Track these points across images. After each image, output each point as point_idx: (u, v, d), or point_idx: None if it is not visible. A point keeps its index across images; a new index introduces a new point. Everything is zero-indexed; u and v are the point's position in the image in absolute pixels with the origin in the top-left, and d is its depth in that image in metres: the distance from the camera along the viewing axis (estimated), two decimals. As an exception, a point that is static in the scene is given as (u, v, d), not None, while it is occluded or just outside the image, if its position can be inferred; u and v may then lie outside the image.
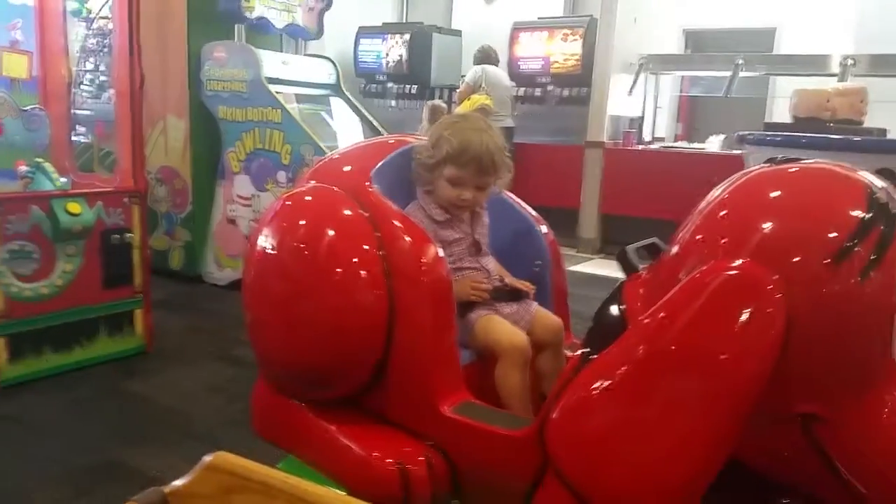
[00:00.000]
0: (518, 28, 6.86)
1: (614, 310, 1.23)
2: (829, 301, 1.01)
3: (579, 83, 6.44)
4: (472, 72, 5.96)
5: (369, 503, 0.74)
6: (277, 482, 0.75)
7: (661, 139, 7.04)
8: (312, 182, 1.63)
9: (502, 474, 1.34)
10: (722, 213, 1.14)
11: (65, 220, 2.74)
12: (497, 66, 6.10)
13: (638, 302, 1.20)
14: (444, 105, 5.73)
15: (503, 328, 1.57)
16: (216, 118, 4.22)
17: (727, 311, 1.03)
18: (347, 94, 4.77)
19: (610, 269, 5.31)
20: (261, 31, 4.35)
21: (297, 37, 4.68)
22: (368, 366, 1.46)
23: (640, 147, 6.47)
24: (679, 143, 6.92)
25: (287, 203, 1.58)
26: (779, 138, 3.89)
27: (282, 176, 4.01)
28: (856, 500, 1.09)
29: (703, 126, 7.46)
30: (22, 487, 2.04)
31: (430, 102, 5.60)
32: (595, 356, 1.16)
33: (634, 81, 6.35)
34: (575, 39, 6.49)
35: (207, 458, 0.80)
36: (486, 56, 6.01)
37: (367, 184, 1.55)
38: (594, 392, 1.12)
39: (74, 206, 2.79)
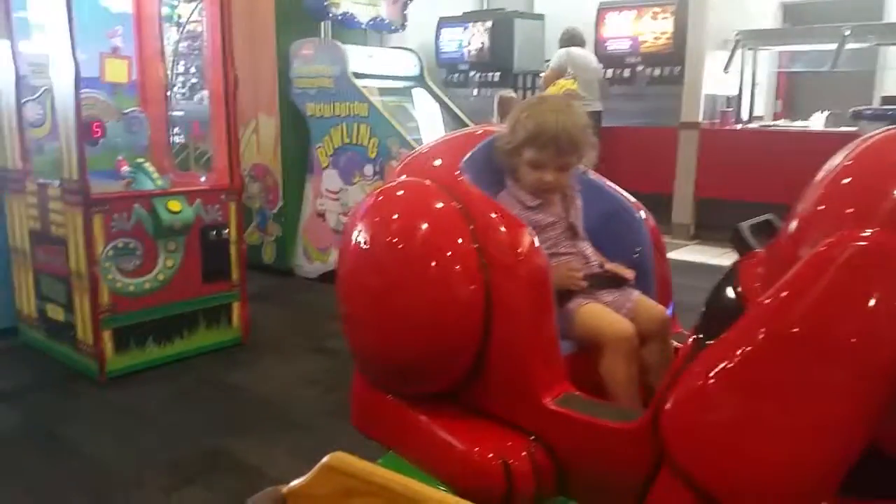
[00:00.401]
0: (605, 8, 6.68)
1: (730, 292, 1.15)
2: None
3: (671, 62, 6.21)
4: (556, 56, 5.82)
5: (473, 501, 0.71)
6: (399, 486, 0.73)
7: (760, 118, 6.68)
8: (403, 176, 1.62)
9: (612, 469, 1.29)
10: (846, 181, 1.06)
11: (166, 218, 2.85)
12: (584, 48, 5.94)
13: (756, 282, 1.12)
14: (513, 95, 5.65)
15: (606, 316, 1.51)
16: (304, 115, 4.30)
17: (858, 287, 0.96)
18: (431, 84, 4.75)
19: (707, 256, 5.14)
20: (346, 27, 4.39)
21: (381, 30, 4.70)
22: (466, 359, 1.43)
23: (739, 127, 6.14)
24: (779, 122, 6.54)
25: (379, 198, 1.57)
26: (897, 111, 3.59)
27: (368, 169, 4.04)
28: None
29: (803, 103, 7.04)
30: (132, 474, 2.12)
31: (500, 93, 5.55)
32: (711, 342, 1.09)
33: (730, 58, 6.03)
34: (665, 17, 6.25)
35: (325, 460, 0.78)
36: (571, 38, 5.84)
37: (458, 174, 1.53)
38: (713, 380, 1.06)
39: (175, 205, 2.90)
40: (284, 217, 4.41)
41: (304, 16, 4.21)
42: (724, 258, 1.30)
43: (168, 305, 2.94)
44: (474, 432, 1.43)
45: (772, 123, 6.44)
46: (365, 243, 1.51)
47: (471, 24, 7.29)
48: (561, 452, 1.37)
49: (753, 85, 6.50)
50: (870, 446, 1.00)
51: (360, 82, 4.11)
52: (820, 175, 1.09)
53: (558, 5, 7.45)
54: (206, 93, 3.75)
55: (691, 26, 5.90)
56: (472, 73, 7.39)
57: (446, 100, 4.73)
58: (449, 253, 1.41)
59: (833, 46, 5.53)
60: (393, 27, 4.71)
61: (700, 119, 5.91)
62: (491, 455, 1.36)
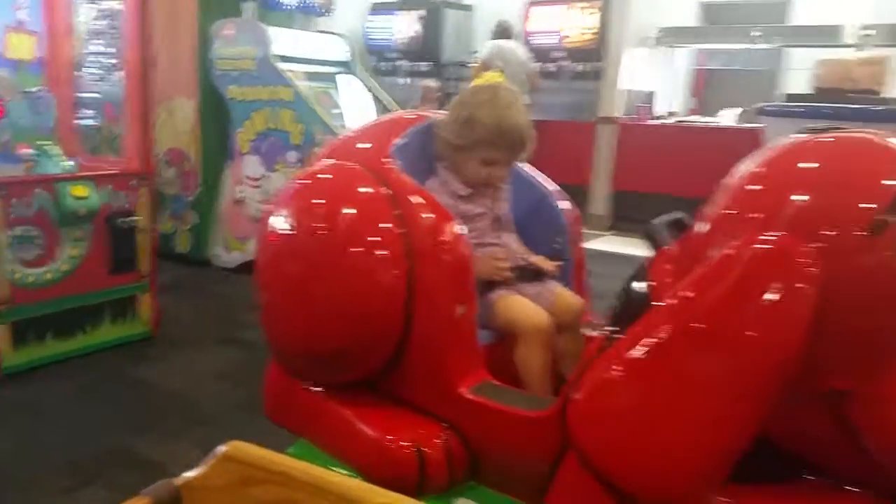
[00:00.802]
0: (533, 2, 6.73)
1: (640, 287, 1.19)
2: (864, 274, 0.98)
3: (594, 58, 6.32)
4: (486, 47, 5.85)
5: (387, 489, 0.71)
6: (300, 473, 0.71)
7: (675, 114, 6.92)
8: (330, 160, 1.59)
9: (522, 456, 1.32)
10: (755, 186, 1.10)
11: (70, 204, 2.71)
12: (515, 41, 5.98)
13: (665, 279, 1.16)
14: (434, 85, 5.68)
15: (524, 308, 1.53)
16: (225, 98, 4.17)
17: (759, 287, 1.00)
18: (360, 71, 4.69)
19: (620, 246, 5.29)
20: (271, 8, 4.28)
21: (308, 13, 4.60)
22: (387, 348, 1.43)
23: (655, 122, 6.34)
24: (692, 117, 6.79)
25: (304, 181, 1.53)
26: (800, 109, 3.80)
27: (292, 156, 3.95)
28: (882, 475, 1.06)
29: (716, 100, 7.32)
30: (29, 476, 2.02)
31: (422, 82, 5.56)
32: (620, 335, 1.13)
33: (649, 55, 6.21)
34: (592, 12, 6.34)
35: (222, 448, 0.75)
36: (503, 31, 5.87)
37: (386, 160, 1.51)
38: (619, 372, 1.09)
39: (80, 190, 2.76)
40: (201, 204, 4.26)
41: (228, -5, 4.08)
42: (637, 248, 1.36)
43: (71, 297, 2.79)
44: (389, 420, 1.43)
45: (686, 119, 6.68)
46: (287, 228, 1.47)
47: (401, 12, 7.23)
48: (474, 440, 1.39)
49: (671, 81, 6.72)
50: (759, 435, 1.05)
51: (285, 66, 4.01)
52: (730, 179, 1.14)
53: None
54: (122, 73, 3.58)
55: (614, 23, 6.04)
56: (401, 62, 7.34)
57: (375, 87, 4.68)
58: (374, 239, 1.39)
59: (744, 46, 5.78)
60: (321, 10, 4.62)
61: (618, 114, 6.07)
62: (404, 443, 1.37)
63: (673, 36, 6.37)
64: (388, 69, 7.38)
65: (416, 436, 1.38)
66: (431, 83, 5.75)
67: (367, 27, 7.39)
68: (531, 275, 1.61)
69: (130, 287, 3.00)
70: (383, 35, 7.35)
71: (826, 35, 5.73)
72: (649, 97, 6.52)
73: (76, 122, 3.42)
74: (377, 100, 4.58)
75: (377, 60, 7.44)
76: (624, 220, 6.00)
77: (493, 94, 1.60)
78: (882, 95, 4.19)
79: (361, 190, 1.45)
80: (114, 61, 4.41)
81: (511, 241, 1.66)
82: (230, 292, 3.82)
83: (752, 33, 5.73)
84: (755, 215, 1.05)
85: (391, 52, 7.35)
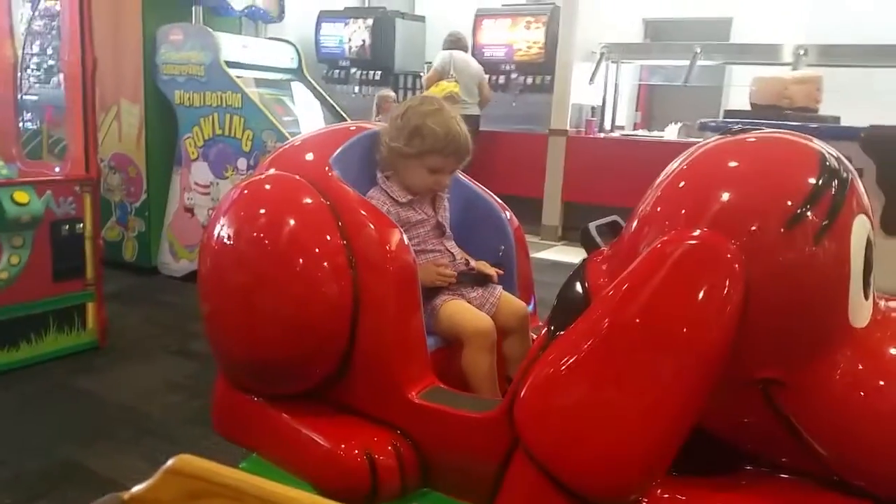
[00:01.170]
0: (481, 15, 6.83)
1: (577, 287, 1.22)
2: (785, 267, 1.03)
3: (542, 71, 6.45)
4: (439, 58, 5.90)
5: (339, 501, 0.71)
6: (249, 487, 0.71)
7: (621, 128, 7.10)
8: (272, 170, 1.59)
9: (471, 457, 1.34)
10: (681, 185, 1.15)
11: (11, 210, 2.61)
12: (467, 52, 6.05)
13: (601, 278, 1.20)
14: (392, 94, 5.70)
15: (467, 313, 1.57)
16: (172, 103, 4.09)
17: (687, 282, 1.04)
18: (310, 79, 4.67)
19: (572, 256, 5.38)
20: (219, 13, 4.23)
21: (257, 19, 4.56)
22: (333, 357, 1.43)
23: (602, 135, 6.50)
24: (638, 132, 6.99)
25: (245, 191, 1.53)
26: (739, 125, 3.95)
27: (242, 163, 3.91)
28: (816, 462, 1.10)
29: (661, 114, 7.55)
30: (-32, 491, 1.94)
31: (379, 92, 5.57)
32: (560, 333, 1.16)
33: (595, 70, 6.37)
34: (538, 27, 6.49)
35: (169, 462, 0.75)
36: (455, 42, 5.94)
37: (327, 170, 1.52)
38: (560, 369, 1.11)
39: (21, 196, 2.66)
40: (148, 211, 4.17)
41: (175, -1, 4.01)
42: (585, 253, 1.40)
43: (13, 307, 2.69)
44: (339, 430, 1.44)
45: (631, 133, 6.87)
46: (229, 238, 1.47)
47: (352, 21, 7.22)
48: (425, 445, 1.40)
49: (616, 96, 6.91)
50: (696, 428, 1.08)
51: (233, 72, 3.96)
52: (660, 178, 1.18)
53: (439, 8, 7.55)
54: (63, 76, 3.47)
55: (561, 38, 6.18)
56: (353, 71, 7.32)
57: (325, 95, 4.66)
58: (316, 250, 1.41)
59: (687, 62, 5.99)
60: (270, 17, 4.58)
61: (567, 127, 6.20)
62: (356, 451, 1.37)
63: (617, 52, 6.55)
64: (341, 77, 7.36)
65: (366, 444, 1.39)
66: (389, 93, 5.76)
67: (319, 35, 7.35)
68: (474, 280, 1.65)
69: (76, 296, 2.91)
70: (334, 43, 7.33)
71: (766, 53, 5.98)
72: (597, 111, 6.68)
73: (16, 125, 3.30)
74: (329, 107, 4.56)
75: (329, 69, 7.41)
76: (573, 230, 6.12)
77: (441, 105, 1.65)
78: (818, 113, 4.39)
79: (301, 200, 1.46)
80: (52, 63, 4.27)
81: (453, 247, 1.69)
82: (179, 301, 3.74)
83: (695, 50, 5.93)
84: (682, 212, 1.09)
85: (343, 60, 7.33)
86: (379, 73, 7.18)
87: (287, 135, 3.71)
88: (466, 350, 1.54)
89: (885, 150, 2.83)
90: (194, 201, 4.09)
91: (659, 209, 1.14)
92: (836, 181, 1.05)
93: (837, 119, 4.43)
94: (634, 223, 1.18)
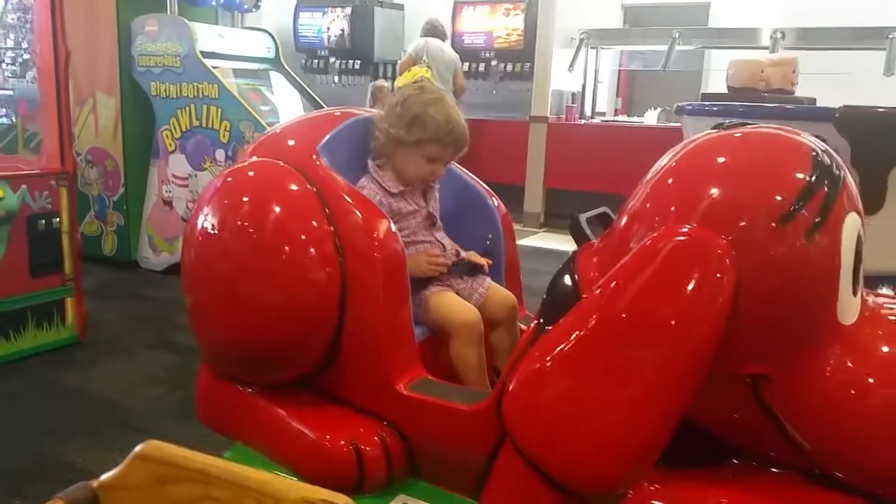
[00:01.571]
0: (460, 2, 6.80)
1: (567, 280, 1.22)
2: (776, 263, 1.03)
3: (522, 58, 6.44)
4: (413, 44, 5.90)
5: (318, 486, 0.71)
6: (216, 470, 0.71)
7: (602, 114, 7.12)
8: (255, 157, 1.57)
9: (459, 450, 1.34)
10: (671, 181, 1.14)
11: (-15, 205, 2.58)
12: (444, 40, 6.03)
13: (591, 272, 1.20)
14: (387, 84, 5.66)
15: (455, 305, 1.57)
16: (148, 95, 4.04)
17: (677, 278, 1.03)
18: (287, 68, 4.63)
19: (555, 243, 5.41)
20: (195, 3, 4.18)
21: (233, 9, 4.51)
22: (320, 346, 1.42)
23: (582, 122, 6.52)
24: (619, 117, 7.01)
25: (229, 179, 1.51)
26: (715, 108, 3.97)
27: (220, 154, 3.87)
28: (802, 456, 1.11)
29: (641, 100, 7.58)
30: (-51, 489, 1.93)
31: (374, 83, 5.53)
32: (549, 327, 1.15)
33: (575, 56, 6.38)
34: (517, 14, 6.48)
35: (137, 448, 0.75)
36: (431, 30, 5.93)
37: (314, 157, 1.50)
38: (549, 363, 1.11)
39: (-4, 190, 2.63)
40: (126, 205, 4.12)
41: (149, -11, 3.96)
42: (569, 245, 1.39)
43: (-10, 303, 2.67)
44: (326, 419, 1.43)
45: (612, 119, 6.90)
46: (213, 227, 1.46)
47: (329, 10, 7.16)
48: (412, 436, 1.40)
49: (596, 82, 6.92)
50: (685, 421, 1.09)
51: (210, 62, 3.91)
52: (649, 174, 1.17)
53: (418, -4, 7.50)
54: (36, 69, 3.42)
55: (540, 24, 6.17)
56: (332, 60, 7.27)
57: (304, 85, 4.63)
58: (303, 236, 1.39)
59: (666, 48, 6.01)
60: (246, 7, 4.53)
61: (548, 113, 6.21)
62: (342, 442, 1.37)
63: (596, 38, 6.55)
64: (320, 67, 7.31)
65: (353, 434, 1.39)
66: (384, 83, 5.73)
67: (297, 25, 7.29)
68: (464, 271, 1.64)
69: (54, 291, 2.88)
70: (312, 33, 7.27)
71: (744, 37, 6.01)
72: (577, 97, 6.69)
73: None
74: (308, 97, 4.54)
75: (307, 58, 7.35)
76: (555, 217, 6.15)
77: (440, 94, 1.65)
78: (794, 95, 4.42)
79: (288, 188, 1.44)
80: (27, 57, 4.19)
81: (443, 237, 1.69)
82: (160, 295, 3.71)
83: (673, 35, 5.95)
84: (672, 208, 1.09)
85: (322, 49, 7.27)
86: (358, 62, 7.13)
87: (265, 125, 3.68)
88: (453, 342, 1.54)
89: (860, 130, 2.85)
90: (173, 194, 4.06)
91: (649, 205, 1.14)
92: (828, 178, 1.05)
93: (813, 101, 4.47)
94: (625, 218, 1.18)
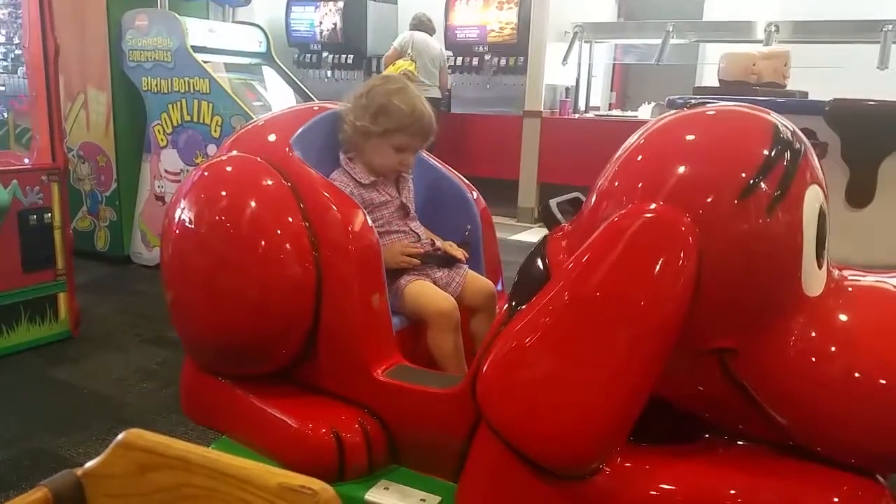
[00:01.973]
0: (454, -4, 6.78)
1: (538, 263, 1.23)
2: (739, 238, 1.04)
3: (515, 52, 6.44)
4: (399, 37, 5.95)
5: (296, 472, 0.72)
6: (195, 456, 0.73)
7: (596, 108, 7.12)
8: (233, 151, 1.58)
9: (437, 433, 1.36)
10: (637, 158, 1.16)
11: (-24, 201, 2.58)
12: (431, 35, 6.04)
13: (560, 254, 1.22)
14: None
15: (431, 294, 1.58)
16: (140, 90, 4.04)
17: (644, 255, 1.05)
18: (279, 63, 4.63)
19: (549, 237, 5.40)
20: (184, -2, 4.17)
21: (223, 4, 4.50)
22: (298, 338, 1.44)
23: (576, 116, 6.52)
24: (613, 112, 7.01)
25: (205, 174, 1.53)
26: (707, 101, 3.99)
27: (212, 149, 3.86)
28: (773, 429, 1.12)
29: (636, 94, 7.58)
30: (-60, 482, 1.93)
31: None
32: (521, 308, 1.17)
33: (569, 50, 6.37)
34: (510, 8, 6.47)
35: (120, 437, 0.76)
36: (418, 24, 5.96)
37: (288, 151, 1.52)
38: (521, 343, 1.13)
39: (-13, 185, 2.63)
40: (119, 200, 4.12)
41: (139, -16, 3.96)
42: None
43: (-19, 298, 2.67)
44: (306, 409, 1.45)
45: (606, 113, 6.89)
46: (190, 221, 1.47)
47: (322, 4, 7.15)
48: (392, 422, 1.42)
49: (590, 76, 6.92)
50: (656, 397, 1.10)
51: (201, 57, 3.92)
52: (618, 152, 1.19)
53: (412, -9, 7.49)
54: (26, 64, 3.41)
55: (533, 18, 6.16)
56: (325, 55, 7.26)
57: (295, 79, 4.63)
58: (278, 231, 1.41)
59: (660, 41, 6.01)
60: (238, 1, 4.52)
61: (542, 108, 6.21)
62: (323, 430, 1.39)
63: (590, 31, 6.55)
64: (313, 62, 7.29)
65: (333, 422, 1.40)
66: None
67: (289, 19, 7.27)
68: (441, 261, 1.66)
69: (47, 286, 2.88)
70: (305, 27, 7.26)
71: (738, 30, 6.01)
72: (571, 92, 6.69)
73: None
74: (300, 92, 4.53)
75: (300, 53, 7.34)
76: (548, 211, 6.15)
77: (404, 84, 1.66)
78: (786, 88, 4.43)
79: (262, 182, 1.46)
80: (19, 52, 4.18)
81: (418, 227, 1.70)
82: (152, 290, 3.71)
83: (667, 29, 5.96)
84: (637, 186, 1.10)
85: (314, 44, 7.26)
86: (351, 56, 7.13)
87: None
88: (430, 330, 1.56)
89: (850, 123, 2.86)
90: (165, 189, 4.05)
91: (616, 183, 1.15)
92: (788, 152, 1.06)
93: (805, 94, 4.48)
94: (593, 198, 1.19)
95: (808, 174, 1.08)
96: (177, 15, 3.94)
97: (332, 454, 1.37)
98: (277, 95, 4.45)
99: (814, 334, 1.08)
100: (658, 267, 1.04)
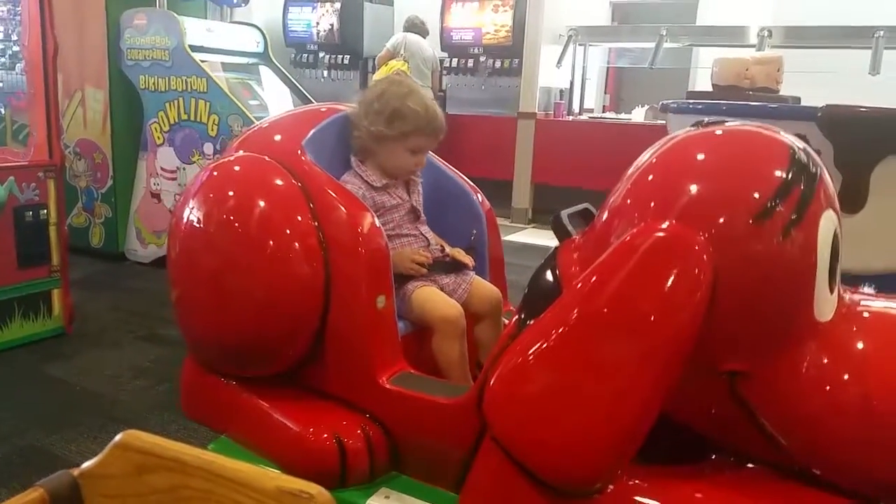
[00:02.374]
0: (450, -2, 6.80)
1: (549, 275, 1.22)
2: (753, 260, 1.03)
3: (510, 54, 6.45)
4: (393, 38, 5.98)
5: (297, 477, 0.73)
6: (192, 458, 0.73)
7: (590, 110, 7.15)
8: (241, 151, 1.58)
9: (441, 443, 1.35)
10: (650, 177, 1.15)
11: (-28, 197, 2.58)
12: (424, 37, 6.06)
13: (572, 267, 1.21)
14: None
15: (437, 300, 1.58)
16: (137, 88, 4.04)
17: (656, 273, 1.04)
18: (276, 63, 4.63)
19: (542, 238, 5.44)
20: (183, -3, 4.17)
21: (221, 4, 4.51)
22: (304, 340, 1.44)
23: (570, 118, 6.55)
24: (607, 114, 7.04)
25: (214, 173, 1.52)
26: (700, 106, 4.00)
27: (208, 148, 3.87)
28: (780, 452, 1.12)
29: (629, 97, 7.61)
30: (-65, 479, 1.93)
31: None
32: (530, 322, 1.17)
33: (563, 53, 6.40)
34: (506, 10, 6.48)
35: (117, 438, 0.77)
36: (412, 25, 6.00)
37: (300, 153, 1.51)
38: (529, 357, 1.12)
39: (-17, 182, 2.63)
40: (115, 197, 4.12)
41: (138, -17, 3.96)
42: (556, 241, 1.41)
43: (-24, 294, 2.67)
44: (309, 412, 1.45)
45: (599, 116, 6.93)
46: (199, 221, 1.47)
47: (319, 4, 7.15)
48: (395, 429, 1.42)
49: (584, 79, 6.94)
50: (664, 416, 1.10)
51: (198, 56, 3.92)
52: (630, 169, 1.18)
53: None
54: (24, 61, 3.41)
55: (528, 20, 6.18)
56: (321, 55, 7.26)
57: (292, 79, 4.63)
58: (287, 231, 1.40)
59: (654, 45, 6.04)
60: (235, 1, 4.53)
61: (536, 110, 6.23)
62: (325, 435, 1.38)
63: (585, 34, 6.58)
64: (310, 62, 7.29)
65: (335, 427, 1.40)
66: None
67: (286, 19, 7.27)
68: (449, 267, 1.66)
69: (41, 282, 2.88)
70: (302, 28, 7.26)
71: (732, 35, 6.04)
72: (565, 94, 6.72)
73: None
74: (297, 92, 4.54)
75: (297, 53, 7.33)
76: (543, 212, 6.18)
77: (414, 86, 1.67)
78: (779, 93, 4.46)
79: (272, 182, 1.45)
80: (17, 49, 4.18)
81: (427, 231, 1.70)
82: (147, 287, 3.72)
83: (660, 32, 5.99)
84: (651, 205, 1.10)
85: (311, 44, 7.26)
86: (347, 57, 7.13)
87: (253, 119, 3.68)
88: (435, 337, 1.56)
89: (843, 129, 2.88)
90: (161, 186, 4.06)
91: (629, 201, 1.14)
92: (805, 175, 1.05)
93: (798, 99, 4.50)
94: (605, 214, 1.19)
95: (824, 198, 1.07)
96: (175, 14, 3.94)
97: (333, 459, 1.37)
98: (274, 95, 4.46)
99: (826, 360, 1.07)
100: (670, 285, 1.03)
